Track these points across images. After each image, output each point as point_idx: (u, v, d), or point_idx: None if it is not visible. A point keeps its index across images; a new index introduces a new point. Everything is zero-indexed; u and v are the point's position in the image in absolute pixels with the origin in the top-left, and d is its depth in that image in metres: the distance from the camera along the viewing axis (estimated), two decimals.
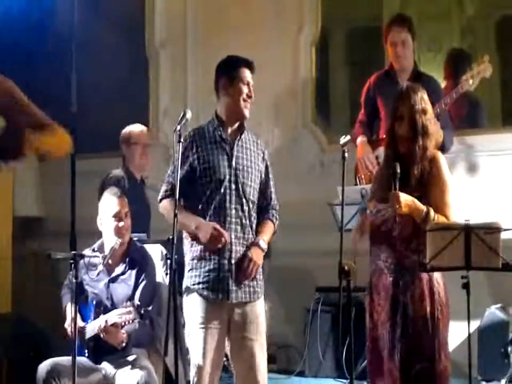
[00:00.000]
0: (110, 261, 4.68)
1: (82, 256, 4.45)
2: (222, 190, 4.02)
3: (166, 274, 4.80)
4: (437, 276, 3.86)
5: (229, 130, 4.14)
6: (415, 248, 3.82)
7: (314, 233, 6.06)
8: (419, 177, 3.86)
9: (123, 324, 4.45)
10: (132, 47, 7.30)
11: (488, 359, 5.45)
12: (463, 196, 5.28)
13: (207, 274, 3.99)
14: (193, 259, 4.04)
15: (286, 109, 6.89)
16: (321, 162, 6.73)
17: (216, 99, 4.20)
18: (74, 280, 4.21)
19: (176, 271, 3.98)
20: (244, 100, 4.09)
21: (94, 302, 4.66)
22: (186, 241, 4.10)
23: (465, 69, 5.52)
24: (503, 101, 6.91)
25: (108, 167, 5.91)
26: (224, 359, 4.14)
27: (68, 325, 4.61)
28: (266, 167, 4.23)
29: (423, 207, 3.78)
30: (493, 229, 3.68)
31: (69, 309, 4.59)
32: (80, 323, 4.55)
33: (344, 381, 5.57)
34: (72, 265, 4.25)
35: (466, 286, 3.75)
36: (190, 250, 4.07)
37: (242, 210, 4.06)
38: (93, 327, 4.55)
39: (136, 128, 5.93)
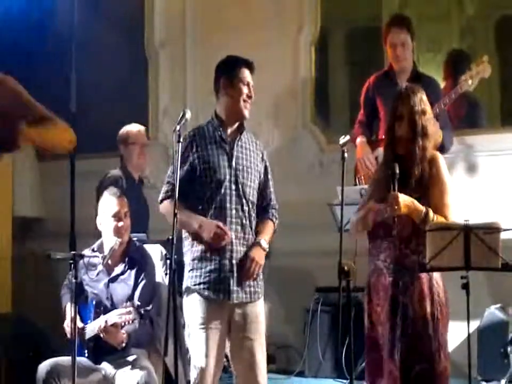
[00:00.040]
0: (109, 261, 4.68)
1: (82, 256, 4.45)
2: (223, 191, 4.02)
3: (166, 274, 4.81)
4: (436, 276, 3.86)
5: (229, 130, 4.14)
6: (414, 248, 3.82)
7: (313, 233, 6.06)
8: (418, 178, 3.86)
9: (123, 324, 4.45)
10: (131, 47, 7.29)
11: (488, 359, 5.45)
12: (462, 196, 5.29)
13: (208, 274, 3.99)
14: (194, 259, 4.04)
15: (286, 109, 6.89)
16: (321, 162, 6.73)
17: (215, 99, 4.20)
18: (74, 280, 4.21)
19: (176, 271, 3.99)
20: (244, 100, 4.09)
21: (94, 302, 4.66)
22: (186, 242, 4.10)
23: (465, 70, 5.51)
24: (503, 101, 6.91)
25: (107, 167, 5.91)
26: (224, 359, 4.14)
27: (67, 325, 4.62)
28: (265, 168, 4.23)
29: (422, 208, 3.78)
30: (492, 229, 3.68)
31: (69, 309, 4.59)
32: (80, 323, 4.55)
33: (344, 381, 5.57)
34: (72, 265, 4.25)
35: (465, 286, 3.75)
36: (191, 250, 4.07)
37: (243, 211, 4.06)
38: (92, 327, 4.55)
39: (133, 128, 5.93)
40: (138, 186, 5.92)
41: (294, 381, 5.97)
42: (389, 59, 5.64)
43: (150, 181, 7.01)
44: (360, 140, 5.62)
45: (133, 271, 4.71)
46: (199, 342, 3.95)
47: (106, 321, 4.46)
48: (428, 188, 3.86)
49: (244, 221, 4.06)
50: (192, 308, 4.01)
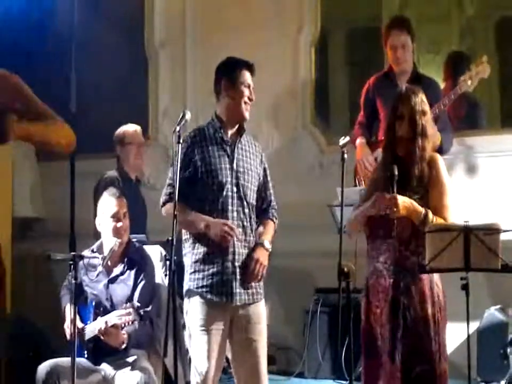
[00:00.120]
0: (109, 262, 4.68)
1: (82, 257, 4.45)
2: (224, 193, 4.02)
3: (165, 275, 4.81)
4: (435, 278, 3.86)
5: (229, 132, 4.14)
6: (414, 250, 3.81)
7: (313, 234, 6.06)
8: (418, 178, 3.86)
9: (123, 325, 4.45)
10: (131, 47, 7.29)
11: (488, 360, 5.45)
12: (462, 197, 5.29)
13: (210, 277, 3.98)
14: (196, 261, 4.02)
15: (286, 109, 6.89)
16: (320, 163, 6.73)
17: (215, 100, 4.19)
18: (73, 281, 4.21)
19: (176, 272, 3.98)
20: (245, 102, 4.09)
21: (93, 303, 4.66)
22: (187, 244, 4.09)
23: (465, 71, 5.52)
24: (502, 102, 6.91)
25: (107, 168, 5.91)
26: (224, 360, 4.14)
27: (67, 326, 4.62)
28: (265, 170, 4.24)
29: (422, 209, 3.78)
30: (492, 230, 3.67)
31: (68, 310, 4.59)
32: (79, 324, 4.55)
33: (344, 382, 5.57)
34: (72, 266, 4.25)
35: (465, 287, 3.74)
36: (192, 252, 4.05)
37: (244, 213, 4.06)
38: (92, 328, 4.55)
39: (130, 128, 5.93)
40: (135, 186, 5.92)
41: (294, 382, 5.97)
42: (389, 61, 5.65)
43: (150, 181, 7.02)
44: (360, 141, 5.62)
45: (133, 272, 4.71)
46: (201, 344, 3.94)
47: (106, 323, 4.46)
48: (427, 189, 3.86)
49: (245, 223, 4.06)
50: (194, 310, 4.00)
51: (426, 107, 3.93)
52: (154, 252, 5.03)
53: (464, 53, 6.71)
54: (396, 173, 3.76)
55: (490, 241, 3.64)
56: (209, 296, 3.97)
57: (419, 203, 3.80)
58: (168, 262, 4.10)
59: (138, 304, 4.50)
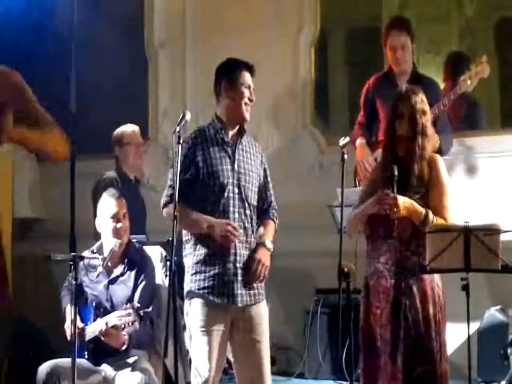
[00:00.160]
0: (109, 263, 4.68)
1: (82, 258, 4.45)
2: (225, 194, 4.01)
3: (166, 276, 4.80)
4: (436, 278, 3.86)
5: (230, 133, 4.14)
6: (414, 250, 3.82)
7: (313, 234, 6.06)
8: (418, 177, 3.86)
9: (123, 326, 4.45)
10: (131, 47, 7.29)
11: (488, 361, 5.45)
12: (462, 197, 5.29)
13: (212, 278, 3.97)
14: (197, 263, 4.02)
15: (285, 109, 6.89)
16: (320, 163, 6.73)
17: (215, 101, 4.19)
18: (73, 282, 4.21)
19: (176, 273, 3.98)
20: (245, 103, 4.09)
21: (94, 304, 4.66)
22: (188, 245, 4.09)
23: (464, 71, 5.52)
24: (502, 102, 6.91)
25: (107, 168, 5.91)
26: (224, 361, 4.14)
27: (67, 326, 4.62)
28: (265, 170, 4.24)
29: (422, 210, 3.78)
30: (492, 231, 3.68)
31: (69, 311, 4.59)
32: (79, 325, 4.55)
33: (344, 382, 5.57)
34: (72, 267, 4.25)
35: (465, 288, 3.75)
36: (193, 254, 4.04)
37: (245, 214, 4.06)
38: (93, 329, 4.55)
39: (128, 128, 5.93)
40: (134, 186, 5.92)
41: (294, 382, 5.97)
42: (389, 61, 5.64)
43: (150, 182, 7.02)
44: (359, 141, 5.62)
45: (133, 273, 4.71)
46: (201, 345, 3.94)
47: (106, 324, 4.46)
48: (427, 189, 3.86)
49: (247, 224, 4.06)
50: (195, 312, 3.99)
51: (426, 107, 3.94)
52: (155, 253, 5.02)
53: (464, 53, 6.70)
54: (396, 173, 3.76)
55: (490, 241, 3.65)
56: (210, 297, 3.96)
57: (419, 203, 3.80)
58: (168, 263, 4.10)
59: (139, 305, 4.50)
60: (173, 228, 3.92)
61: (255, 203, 4.13)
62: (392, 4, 7.21)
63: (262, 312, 4.07)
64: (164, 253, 4.98)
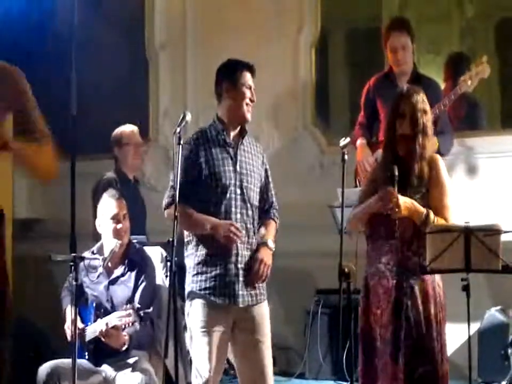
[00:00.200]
0: (109, 263, 4.68)
1: (83, 258, 4.45)
2: (228, 195, 4.01)
3: (166, 276, 4.80)
4: (437, 278, 3.86)
5: (231, 133, 4.13)
6: (415, 250, 3.82)
7: (313, 234, 6.06)
8: (418, 178, 3.86)
9: (123, 326, 4.45)
10: (131, 48, 7.29)
11: (488, 361, 5.45)
12: (462, 198, 5.29)
13: (213, 279, 3.97)
14: (198, 263, 4.02)
15: (286, 110, 6.89)
16: (321, 163, 6.73)
17: (216, 102, 4.18)
18: (74, 283, 4.21)
19: (176, 273, 3.98)
20: (247, 104, 4.09)
21: (94, 304, 4.66)
22: (190, 246, 4.08)
23: (465, 71, 5.52)
24: (503, 102, 6.91)
25: (107, 169, 5.92)
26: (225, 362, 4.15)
27: (68, 327, 4.61)
28: (266, 171, 4.24)
29: (423, 210, 3.78)
30: (492, 231, 3.68)
31: (69, 311, 4.59)
32: (80, 325, 4.55)
33: (345, 383, 5.57)
34: (72, 267, 4.25)
35: (466, 288, 3.75)
36: (195, 254, 4.04)
37: (247, 215, 4.06)
38: (93, 330, 4.55)
39: (126, 128, 5.93)
40: (134, 186, 5.92)
41: (295, 382, 5.97)
42: (389, 62, 5.64)
43: (150, 182, 7.02)
44: (360, 141, 5.62)
45: (133, 273, 4.71)
46: (202, 346, 3.94)
47: (107, 324, 4.46)
48: (427, 189, 3.86)
49: (249, 225, 4.06)
50: (196, 312, 3.99)
51: (427, 106, 3.94)
52: (155, 253, 5.02)
53: (464, 54, 6.70)
54: (397, 173, 3.76)
55: (490, 242, 3.65)
56: (212, 298, 3.96)
57: (419, 203, 3.80)
58: (168, 263, 4.10)
59: (139, 306, 4.50)
60: (173, 228, 3.93)
61: (257, 204, 4.13)
62: (393, 4, 7.21)
63: (263, 312, 4.08)
64: (164, 254, 4.98)
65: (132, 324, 4.44)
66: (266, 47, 6.72)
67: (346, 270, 4.18)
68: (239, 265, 3.99)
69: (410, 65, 5.54)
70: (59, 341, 5.12)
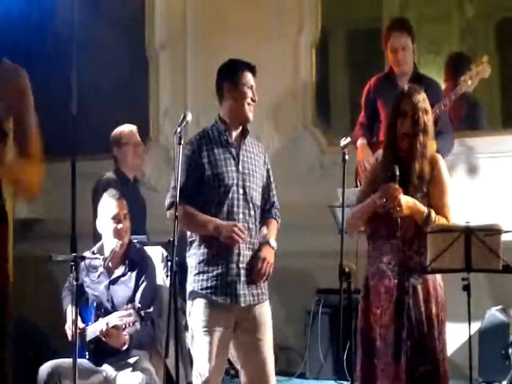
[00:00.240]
0: (110, 263, 4.68)
1: (83, 258, 4.45)
2: (230, 195, 4.01)
3: (167, 276, 4.80)
4: (438, 278, 3.86)
5: (233, 134, 4.13)
6: (417, 249, 3.81)
7: (314, 234, 6.06)
8: (419, 176, 3.85)
9: (124, 326, 4.45)
10: (132, 48, 7.29)
11: (489, 361, 5.45)
12: (463, 197, 5.29)
13: (215, 278, 3.97)
14: (200, 262, 4.02)
15: (286, 110, 6.89)
16: (321, 163, 6.73)
17: (218, 102, 4.18)
18: (75, 283, 4.21)
19: (177, 273, 3.98)
20: (248, 104, 4.09)
21: (95, 304, 4.66)
22: (193, 245, 4.08)
23: (465, 71, 5.52)
24: (503, 103, 6.91)
25: (107, 169, 5.91)
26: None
27: (68, 327, 4.61)
28: (268, 170, 4.24)
29: (424, 209, 3.78)
30: (493, 231, 3.68)
31: (70, 311, 4.59)
32: (80, 325, 4.55)
33: (346, 382, 5.56)
34: (73, 267, 4.25)
35: (466, 288, 3.75)
36: (196, 253, 4.04)
37: (249, 215, 4.06)
38: (94, 329, 4.55)
39: (126, 128, 5.92)
40: (133, 186, 5.91)
41: (295, 382, 5.96)
42: (390, 62, 5.64)
43: (151, 182, 7.02)
44: (360, 142, 5.61)
45: (134, 273, 4.71)
46: (203, 345, 3.93)
47: (107, 324, 4.46)
48: (428, 188, 3.86)
49: (251, 225, 4.06)
50: (197, 312, 3.98)
51: (428, 106, 3.94)
52: (156, 253, 5.02)
53: (465, 54, 6.69)
54: (398, 173, 3.76)
55: (491, 242, 3.65)
56: (213, 297, 3.96)
57: (421, 202, 3.80)
58: (169, 263, 4.10)
59: (139, 305, 4.50)
60: (174, 228, 3.93)
61: (259, 203, 4.14)
62: (393, 4, 7.21)
63: (265, 312, 4.08)
64: (165, 253, 4.98)
65: (133, 323, 4.44)
66: (267, 47, 6.72)
67: (346, 269, 4.18)
68: (241, 265, 3.99)
69: (411, 65, 5.54)
70: (59, 340, 5.12)
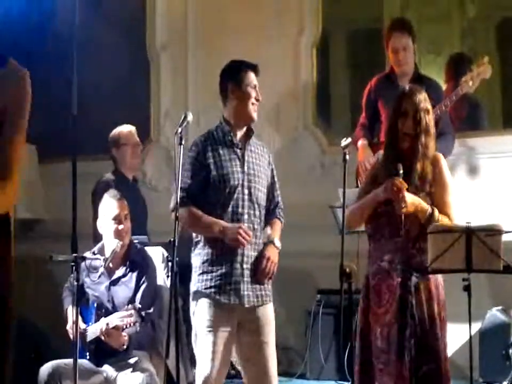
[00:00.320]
0: (110, 264, 4.68)
1: (84, 259, 4.45)
2: (235, 195, 4.01)
3: (168, 276, 4.80)
4: (439, 277, 3.86)
5: (238, 134, 4.13)
6: (420, 248, 3.81)
7: (314, 234, 6.06)
8: (421, 177, 3.85)
9: (124, 326, 4.45)
10: (133, 49, 7.29)
11: (490, 361, 5.45)
12: (464, 198, 5.28)
13: (219, 278, 3.97)
14: (204, 262, 4.02)
15: (287, 110, 6.89)
16: (322, 164, 6.73)
17: (221, 104, 4.17)
18: (75, 283, 4.21)
19: (178, 273, 3.98)
20: (252, 103, 4.09)
21: (95, 305, 4.66)
22: (198, 245, 4.07)
23: (466, 72, 5.52)
24: (504, 102, 6.91)
25: (108, 169, 5.92)
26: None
27: (69, 327, 4.61)
28: (272, 171, 4.25)
29: (428, 207, 3.78)
30: (494, 231, 3.68)
31: (70, 312, 4.59)
32: (81, 325, 4.55)
33: (346, 383, 5.56)
34: (74, 267, 4.25)
35: (467, 289, 3.75)
36: (201, 254, 4.04)
37: (255, 215, 4.06)
38: (94, 330, 4.55)
39: (124, 128, 5.93)
40: (133, 186, 5.91)
41: (296, 383, 5.96)
42: (391, 63, 5.64)
43: (152, 183, 7.02)
44: (361, 142, 5.61)
45: (134, 274, 4.71)
46: (206, 344, 3.94)
47: (107, 324, 4.46)
48: (430, 188, 3.86)
49: (256, 226, 4.06)
50: (201, 311, 3.98)
51: (430, 106, 3.94)
52: (156, 253, 5.02)
53: (466, 54, 6.69)
54: (401, 170, 3.75)
55: (492, 242, 3.64)
56: (217, 297, 3.96)
57: (424, 201, 3.80)
58: (170, 263, 4.10)
59: (140, 306, 4.50)
60: (174, 228, 3.93)
61: (264, 204, 4.14)
62: (394, 5, 7.21)
63: (268, 313, 4.08)
64: (166, 254, 4.98)
65: (133, 324, 4.44)
66: (267, 48, 6.72)
67: (347, 270, 4.18)
68: (245, 265, 3.99)
69: (412, 65, 5.54)
70: (60, 341, 5.12)
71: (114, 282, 4.71)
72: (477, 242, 3.64)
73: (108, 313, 4.59)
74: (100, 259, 4.66)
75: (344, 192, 4.23)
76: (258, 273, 4.01)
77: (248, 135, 4.15)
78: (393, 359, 3.75)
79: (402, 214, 3.72)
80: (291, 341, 6.37)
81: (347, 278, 4.17)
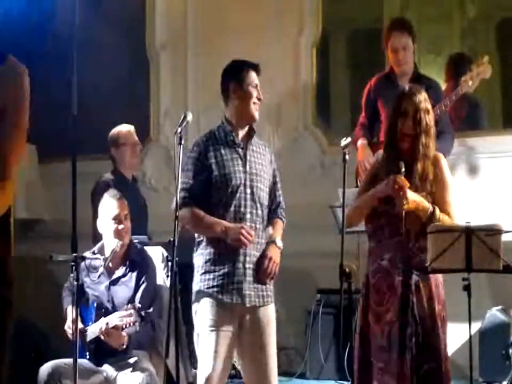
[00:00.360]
0: (110, 264, 4.68)
1: (84, 259, 4.45)
2: (238, 195, 4.01)
3: (167, 276, 4.80)
4: (439, 276, 3.86)
5: (240, 134, 4.13)
6: (420, 247, 3.81)
7: (314, 234, 6.06)
8: (421, 176, 3.85)
9: (124, 326, 4.45)
10: (132, 49, 7.29)
11: (489, 361, 5.46)
12: (464, 197, 5.28)
13: (221, 277, 3.97)
14: (206, 262, 4.02)
15: (287, 110, 6.89)
16: (322, 163, 6.73)
17: (223, 103, 4.16)
18: (75, 283, 4.21)
19: (177, 273, 3.98)
20: (254, 103, 4.10)
21: (95, 305, 4.66)
22: (201, 245, 4.07)
23: (466, 71, 5.52)
24: (504, 102, 6.91)
25: (108, 169, 5.92)
26: None
27: (68, 327, 4.61)
28: (274, 170, 4.25)
29: (429, 205, 3.77)
30: (494, 231, 3.67)
31: (70, 312, 4.59)
32: (81, 325, 4.55)
33: (346, 383, 5.56)
34: (73, 267, 4.25)
35: (467, 288, 3.75)
36: (204, 253, 4.04)
37: (257, 215, 4.06)
38: (94, 329, 4.55)
39: (123, 128, 5.92)
40: (133, 186, 5.91)
41: (296, 382, 5.97)
42: (390, 62, 5.65)
43: (151, 182, 7.02)
44: (361, 142, 5.62)
45: (134, 274, 4.71)
46: (208, 344, 3.94)
47: (107, 324, 4.46)
48: (431, 187, 3.86)
49: (258, 225, 4.06)
50: (203, 311, 3.98)
51: (430, 106, 3.93)
52: (156, 253, 5.02)
53: (466, 54, 6.69)
54: (403, 169, 3.75)
55: (492, 242, 3.64)
56: (219, 296, 3.96)
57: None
58: (170, 263, 4.10)
59: (140, 306, 4.50)
60: (174, 228, 3.93)
61: (266, 203, 4.14)
62: (393, 4, 7.21)
63: (269, 314, 4.07)
64: (166, 254, 4.98)
65: (133, 323, 4.44)
66: (267, 48, 6.73)
67: (347, 270, 4.17)
68: (247, 265, 3.99)
69: (411, 65, 5.55)
70: (59, 341, 5.12)
71: (114, 282, 4.71)
72: (476, 242, 3.64)
73: (107, 313, 4.58)
74: (99, 259, 4.67)
75: (344, 192, 4.23)
76: (260, 273, 4.01)
77: (250, 134, 4.15)
78: (394, 357, 3.75)
79: (403, 211, 3.72)
80: (291, 340, 6.37)
81: (347, 277, 4.16)
